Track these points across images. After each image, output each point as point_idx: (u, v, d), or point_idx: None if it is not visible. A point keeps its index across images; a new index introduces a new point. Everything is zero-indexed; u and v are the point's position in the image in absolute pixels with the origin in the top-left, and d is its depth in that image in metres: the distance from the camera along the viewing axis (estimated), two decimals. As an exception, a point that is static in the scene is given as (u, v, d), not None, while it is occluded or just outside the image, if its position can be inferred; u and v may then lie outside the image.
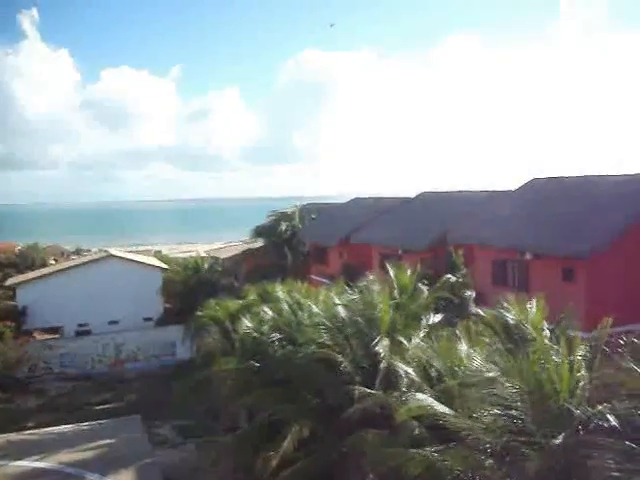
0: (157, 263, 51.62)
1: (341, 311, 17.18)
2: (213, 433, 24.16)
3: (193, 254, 66.01)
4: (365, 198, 51.33)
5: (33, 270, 62.89)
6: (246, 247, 47.67)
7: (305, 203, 51.36)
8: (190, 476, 23.51)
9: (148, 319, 45.21)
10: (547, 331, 13.42)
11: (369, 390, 14.66)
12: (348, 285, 20.13)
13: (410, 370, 14.33)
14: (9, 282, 49.78)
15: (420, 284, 19.57)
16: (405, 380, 14.57)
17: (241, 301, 25.34)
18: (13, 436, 28.53)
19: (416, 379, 13.98)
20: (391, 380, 15.08)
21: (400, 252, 32.85)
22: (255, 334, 19.32)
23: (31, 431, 29.51)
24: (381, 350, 15.37)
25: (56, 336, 43.50)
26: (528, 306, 14.01)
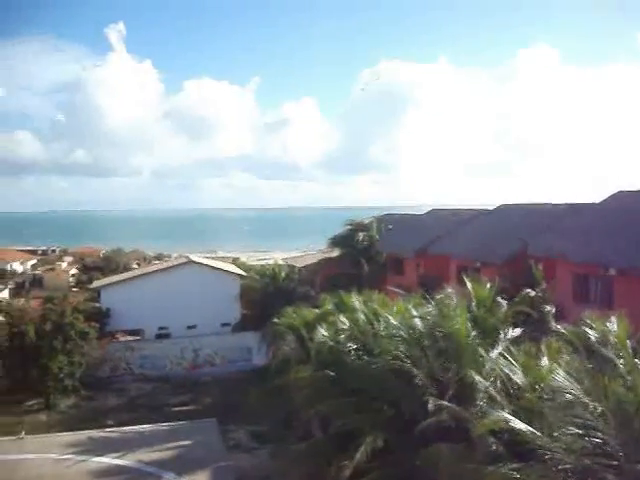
0: (235, 270, 52.50)
1: (418, 323, 17.06)
2: (286, 440, 24.28)
3: (270, 262, 66.87)
4: (442, 209, 50.79)
5: (117, 273, 65.22)
6: (322, 256, 47.87)
7: (382, 213, 51.21)
8: (263, 482, 23.80)
9: (225, 325, 46.00)
10: (631, 350, 12.95)
11: (445, 403, 14.50)
12: (425, 297, 19.95)
13: (488, 384, 14.10)
14: (94, 284, 51.83)
15: (498, 298, 19.24)
16: (482, 394, 14.35)
17: (317, 310, 25.44)
18: (95, 433, 29.62)
19: (494, 394, 13.74)
20: (467, 393, 14.87)
21: (478, 265, 32.34)
22: (331, 343, 19.38)
23: (111, 429, 30.57)
24: (458, 363, 15.20)
25: (137, 338, 44.80)
26: (610, 323, 13.56)
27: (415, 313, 17.82)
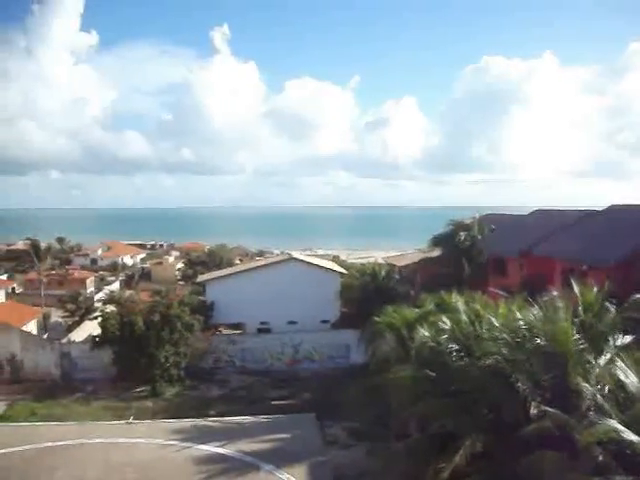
0: (336, 268, 52.87)
1: (521, 326, 16.67)
2: (383, 438, 24.29)
3: (370, 260, 66.92)
4: (547, 210, 49.22)
5: (221, 269, 67.05)
6: (422, 256, 47.43)
7: (484, 213, 50.18)
8: (359, 479, 23.85)
9: (325, 321, 46.44)
10: None
11: (548, 409, 14.11)
12: (528, 299, 19.45)
13: (596, 392, 13.61)
14: (199, 279, 53.60)
15: (607, 302, 18.47)
16: (588, 402, 13.88)
17: (418, 310, 25.29)
18: (198, 421, 30.62)
19: (602, 402, 13.25)
20: (573, 401, 14.42)
21: (584, 267, 31.13)
22: (432, 344, 19.22)
23: (214, 418, 31.46)
24: (563, 368, 14.75)
25: (239, 332, 45.90)
26: None
27: (519, 316, 17.42)
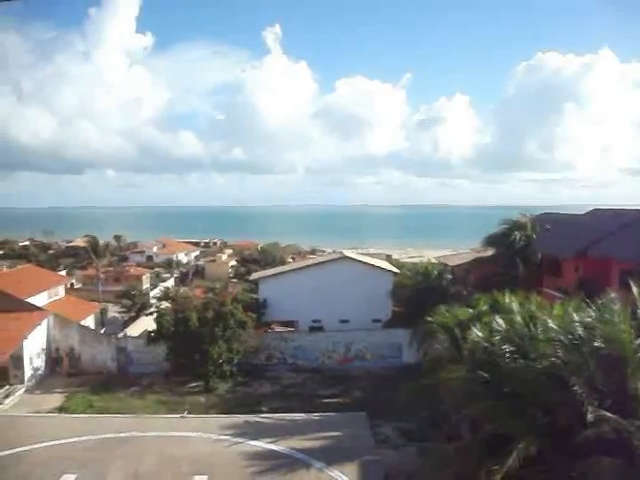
0: (388, 267, 52.72)
1: (578, 328, 16.33)
2: (434, 439, 24.11)
3: (423, 260, 66.51)
4: (604, 209, 48.01)
5: (273, 267, 67.62)
6: (475, 255, 46.90)
7: (538, 213, 49.23)
8: (409, 479, 23.72)
9: (377, 320, 46.34)
10: None
11: (606, 414, 13.80)
12: (585, 301, 19.05)
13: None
14: (252, 277, 54.17)
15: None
16: (647, 408, 13.53)
17: (471, 310, 25.05)
18: (250, 417, 30.92)
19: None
20: (631, 406, 14.09)
21: (644, 269, 30.23)
22: (485, 344, 18.99)
23: (266, 415, 31.73)
24: (621, 372, 14.41)
25: (291, 329, 46.21)
26: None
27: (575, 317, 17.06)
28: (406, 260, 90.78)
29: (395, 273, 49.38)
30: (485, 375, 17.96)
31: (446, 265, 52.69)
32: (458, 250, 71.63)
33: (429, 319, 26.43)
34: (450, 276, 47.89)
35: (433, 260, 59.85)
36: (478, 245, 46.06)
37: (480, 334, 19.69)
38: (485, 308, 24.18)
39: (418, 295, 42.70)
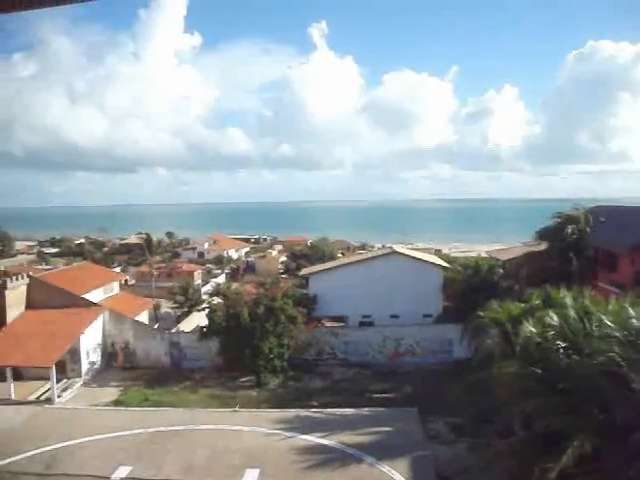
0: (438, 261, 52.30)
1: (635, 323, 15.98)
2: (486, 436, 23.86)
3: (473, 254, 65.81)
4: (663, 202, 46.64)
5: (323, 262, 67.71)
6: (527, 249, 46.12)
7: (592, 205, 48.12)
8: (461, 475, 23.56)
9: (427, 316, 46.02)
10: None
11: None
12: (643, 296, 18.62)
13: None
14: (303, 272, 54.39)
15: None
16: None
17: (523, 304, 24.69)
18: (301, 412, 31.14)
19: None
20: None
21: None
22: (538, 340, 18.72)
23: (316, 409, 31.90)
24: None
25: (341, 325, 46.24)
26: None
27: (632, 313, 16.69)
28: (456, 255, 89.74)
29: (445, 268, 48.95)
30: (538, 371, 17.71)
31: (497, 259, 52.05)
32: (509, 244, 70.58)
33: (480, 314, 26.13)
34: (501, 270, 47.26)
35: (484, 254, 59.20)
36: (530, 239, 45.32)
37: (533, 329, 19.40)
38: (538, 303, 23.77)
39: (469, 290, 42.34)
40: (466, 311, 32.64)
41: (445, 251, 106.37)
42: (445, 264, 50.90)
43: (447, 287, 46.45)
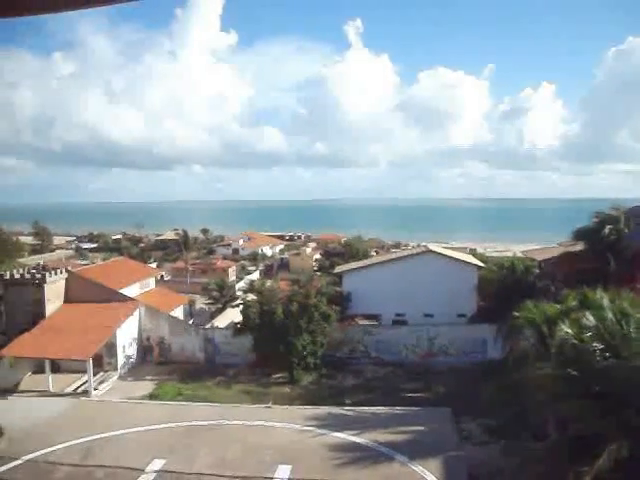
0: (473, 261, 51.93)
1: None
2: (519, 437, 23.64)
3: (508, 254, 65.16)
4: None
5: (357, 260, 67.69)
6: (564, 250, 45.52)
7: (632, 205, 47.26)
8: (494, 477, 23.31)
9: (461, 315, 45.70)
10: None
11: None
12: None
13: None
14: (337, 270, 54.46)
15: None
16: None
17: (559, 305, 24.40)
18: (334, 409, 31.19)
19: None
20: None
21: None
22: (574, 341, 18.48)
23: (349, 407, 31.90)
24: None
25: (374, 323, 46.19)
26: None
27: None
28: (491, 254, 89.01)
29: (480, 267, 48.57)
30: (574, 373, 17.48)
31: (533, 259, 51.45)
32: (545, 244, 69.66)
33: (515, 314, 25.90)
34: (537, 271, 46.71)
35: (519, 254, 58.56)
36: (566, 239, 44.70)
37: (569, 330, 19.14)
38: (574, 304, 23.48)
39: (504, 290, 41.92)
40: (501, 311, 32.34)
41: (480, 250, 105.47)
42: (480, 263, 50.53)
43: (482, 287, 46.07)
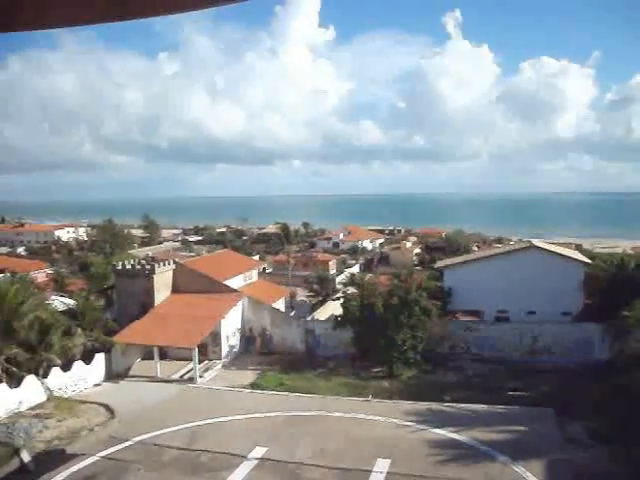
0: (579, 257, 50.21)
1: None
2: (627, 443, 22.79)
3: (617, 250, 62.59)
4: None
5: (458, 255, 66.87)
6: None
7: None
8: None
9: (566, 314, 44.28)
10: None
11: None
12: None
13: None
14: (438, 264, 54.00)
15: None
16: None
17: (673, 306, 23.37)
18: (434, 405, 31.07)
19: None
20: None
21: None
22: (688, 344, 17.73)
23: (449, 404, 31.65)
24: None
25: (476, 319, 45.54)
26: None
27: None
28: (598, 250, 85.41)
29: (587, 264, 46.88)
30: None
31: (645, 256, 49.23)
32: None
33: (625, 313, 25.00)
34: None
35: (629, 251, 56.15)
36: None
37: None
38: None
39: (613, 288, 40.32)
40: (609, 310, 31.25)
41: (586, 246, 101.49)
42: (586, 260, 48.80)
43: (588, 284, 44.47)
